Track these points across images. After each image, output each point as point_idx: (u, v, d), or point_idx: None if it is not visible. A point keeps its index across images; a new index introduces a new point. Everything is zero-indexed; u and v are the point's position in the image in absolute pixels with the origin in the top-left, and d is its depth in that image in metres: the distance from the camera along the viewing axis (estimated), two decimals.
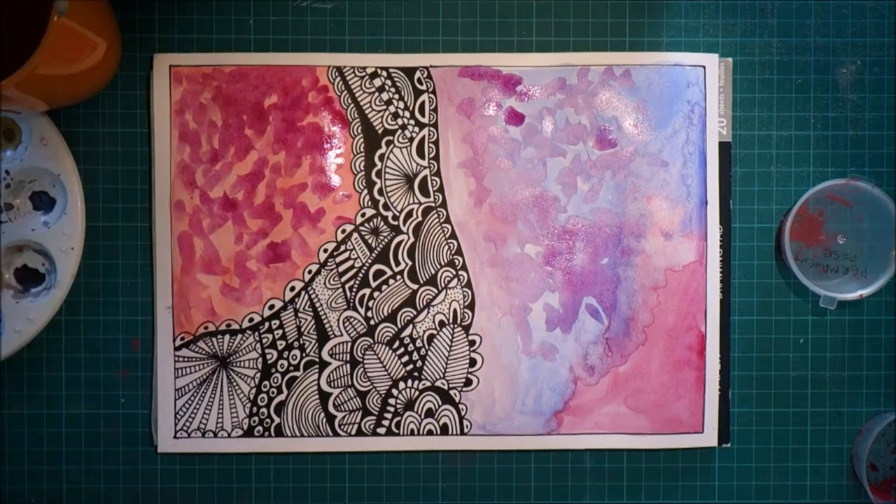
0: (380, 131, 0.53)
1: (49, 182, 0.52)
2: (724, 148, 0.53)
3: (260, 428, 0.53)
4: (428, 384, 0.53)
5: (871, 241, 0.54)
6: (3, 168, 0.51)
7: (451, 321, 0.53)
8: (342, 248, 0.53)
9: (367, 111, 0.53)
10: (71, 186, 0.51)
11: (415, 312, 0.53)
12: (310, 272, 0.53)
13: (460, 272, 0.53)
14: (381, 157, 0.53)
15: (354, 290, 0.53)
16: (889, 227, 0.52)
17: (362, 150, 0.53)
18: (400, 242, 0.53)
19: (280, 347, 0.53)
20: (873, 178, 0.53)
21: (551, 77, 0.53)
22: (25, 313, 0.51)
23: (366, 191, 0.53)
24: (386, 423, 0.53)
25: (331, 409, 0.53)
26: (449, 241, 0.53)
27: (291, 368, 0.53)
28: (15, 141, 0.51)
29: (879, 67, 0.54)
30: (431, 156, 0.53)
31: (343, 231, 0.53)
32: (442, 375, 0.53)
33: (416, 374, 0.53)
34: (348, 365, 0.53)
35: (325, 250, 0.53)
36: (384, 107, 0.53)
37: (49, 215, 0.52)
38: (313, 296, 0.53)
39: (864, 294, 0.52)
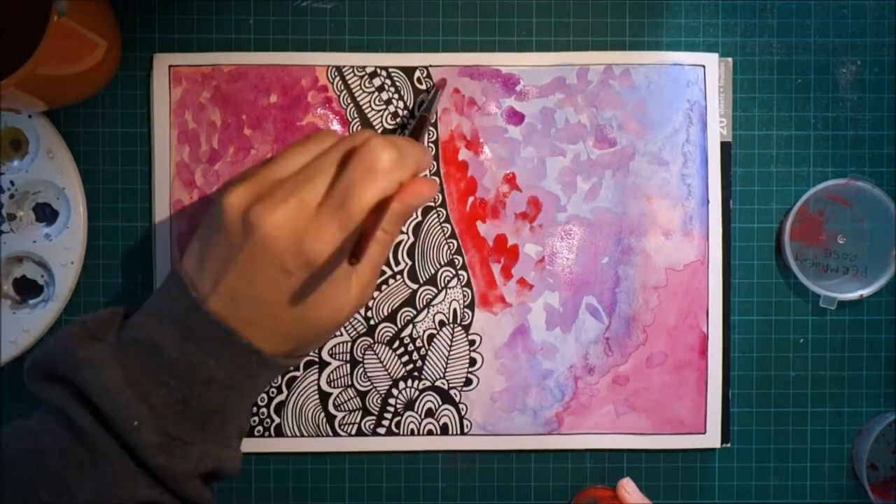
0: (379, 131, 0.53)
1: (53, 194, 0.51)
2: (724, 148, 0.53)
3: (260, 428, 0.52)
4: (428, 384, 0.53)
5: (871, 241, 0.54)
6: (8, 178, 0.51)
7: (451, 321, 0.53)
8: None
9: (366, 111, 0.53)
10: (75, 201, 0.51)
11: (415, 312, 0.53)
12: None
13: (460, 272, 0.53)
14: None
15: None
16: (889, 227, 0.52)
17: None
18: (400, 242, 0.53)
19: None
20: (873, 178, 0.53)
21: (551, 76, 0.53)
22: (22, 325, 0.51)
23: None
24: (386, 423, 0.53)
25: (331, 409, 0.53)
26: (449, 240, 0.53)
27: (291, 368, 0.52)
28: (21, 151, 0.51)
29: (879, 67, 0.54)
30: (431, 155, 0.53)
31: None
32: (442, 375, 0.53)
33: (416, 373, 0.53)
34: (348, 365, 0.53)
35: None
36: (384, 106, 0.53)
37: (51, 228, 0.52)
38: None
39: (864, 294, 0.52)
